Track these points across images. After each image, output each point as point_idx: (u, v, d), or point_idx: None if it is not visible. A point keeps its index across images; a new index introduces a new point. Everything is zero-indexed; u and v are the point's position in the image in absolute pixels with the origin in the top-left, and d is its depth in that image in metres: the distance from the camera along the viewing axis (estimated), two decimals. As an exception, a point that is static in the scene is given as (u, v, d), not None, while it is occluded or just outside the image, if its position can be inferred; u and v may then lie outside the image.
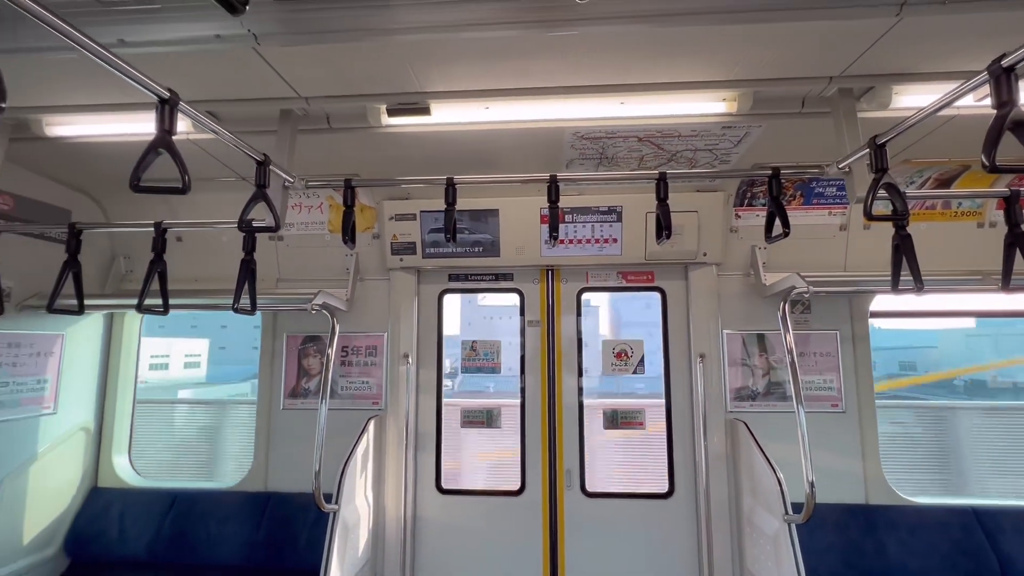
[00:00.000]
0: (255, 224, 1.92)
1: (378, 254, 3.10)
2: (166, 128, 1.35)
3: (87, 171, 2.80)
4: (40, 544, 2.84)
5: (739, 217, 2.97)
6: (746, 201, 2.94)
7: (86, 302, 2.32)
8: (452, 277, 3.20)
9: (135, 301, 2.15)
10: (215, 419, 4.28)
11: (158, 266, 2.12)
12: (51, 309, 2.25)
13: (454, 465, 3.12)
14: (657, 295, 3.12)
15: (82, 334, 3.09)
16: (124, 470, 3.23)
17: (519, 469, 3.03)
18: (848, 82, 1.92)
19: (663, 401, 3.03)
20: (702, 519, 2.83)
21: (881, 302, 2.95)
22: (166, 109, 1.36)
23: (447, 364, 3.19)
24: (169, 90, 1.36)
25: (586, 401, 3.06)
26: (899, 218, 1.67)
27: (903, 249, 1.66)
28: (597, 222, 2.92)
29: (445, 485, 3.05)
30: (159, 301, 2.18)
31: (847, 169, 1.94)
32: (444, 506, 3.03)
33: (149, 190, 1.33)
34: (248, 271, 2.03)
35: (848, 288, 2.72)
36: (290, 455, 3.08)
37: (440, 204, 2.95)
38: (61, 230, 2.30)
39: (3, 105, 0.86)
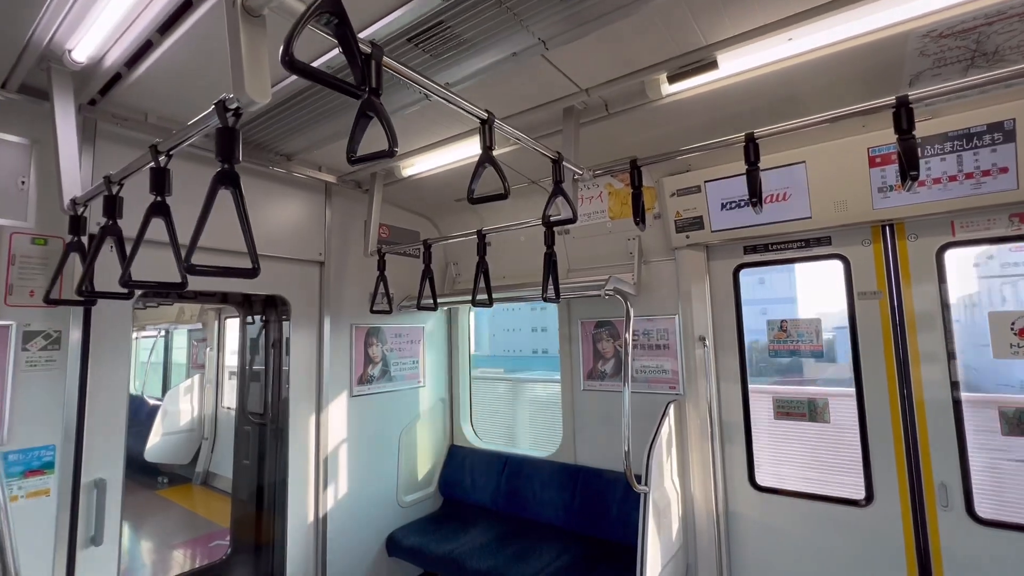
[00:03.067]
0: (553, 219, 2.08)
1: (660, 234, 2.99)
2: (487, 144, 1.56)
3: (423, 198, 3.59)
4: (425, 482, 3.80)
5: None
6: None
7: (437, 300, 2.97)
8: (748, 249, 2.82)
9: (467, 298, 2.63)
10: (510, 392, 5.03)
11: (482, 266, 2.53)
12: (420, 307, 2.97)
13: (768, 460, 2.75)
14: (1095, 241, 2.05)
15: (434, 325, 3.99)
16: (469, 433, 4.04)
17: (861, 475, 2.46)
18: None
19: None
20: None
21: None
22: (485, 128, 1.58)
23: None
24: (487, 111, 1.56)
25: (965, 395, 2.25)
26: None
27: None
28: (968, 149, 2.10)
29: (760, 482, 2.73)
30: (485, 296, 2.60)
31: None
32: (761, 505, 2.71)
33: (481, 200, 1.55)
34: (551, 263, 2.20)
35: None
36: (593, 433, 3.29)
37: (729, 170, 2.68)
38: (416, 247, 3.01)
39: (396, 149, 1.09)
